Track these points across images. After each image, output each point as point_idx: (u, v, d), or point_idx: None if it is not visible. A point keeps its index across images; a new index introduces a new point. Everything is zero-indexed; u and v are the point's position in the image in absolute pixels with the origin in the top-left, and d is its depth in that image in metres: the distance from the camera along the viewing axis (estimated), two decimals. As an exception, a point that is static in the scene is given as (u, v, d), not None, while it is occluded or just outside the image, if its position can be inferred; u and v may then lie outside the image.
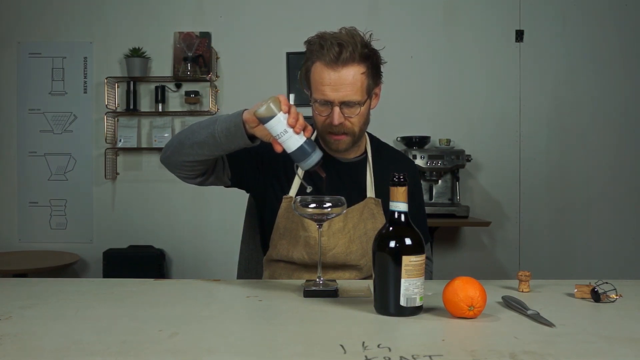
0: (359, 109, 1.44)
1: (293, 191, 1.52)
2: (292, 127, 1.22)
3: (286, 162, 1.53)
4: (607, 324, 1.03)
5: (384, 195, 1.51)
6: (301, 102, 3.68)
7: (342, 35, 1.41)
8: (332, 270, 1.52)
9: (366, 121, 1.50)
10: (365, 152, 1.60)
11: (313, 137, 1.57)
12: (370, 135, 1.64)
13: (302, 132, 1.24)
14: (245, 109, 1.29)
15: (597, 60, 3.74)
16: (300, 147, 1.23)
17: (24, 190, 3.78)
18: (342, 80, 1.40)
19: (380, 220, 1.52)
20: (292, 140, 1.23)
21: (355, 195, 1.53)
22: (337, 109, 1.42)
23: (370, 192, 1.55)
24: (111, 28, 3.77)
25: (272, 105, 1.22)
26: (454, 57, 3.75)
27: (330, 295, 1.22)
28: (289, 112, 1.23)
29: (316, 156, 1.24)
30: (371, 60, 1.44)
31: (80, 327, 1.00)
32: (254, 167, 1.54)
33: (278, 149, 1.25)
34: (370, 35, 1.45)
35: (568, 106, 3.75)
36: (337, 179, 1.54)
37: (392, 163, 1.62)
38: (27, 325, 1.01)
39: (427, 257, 1.59)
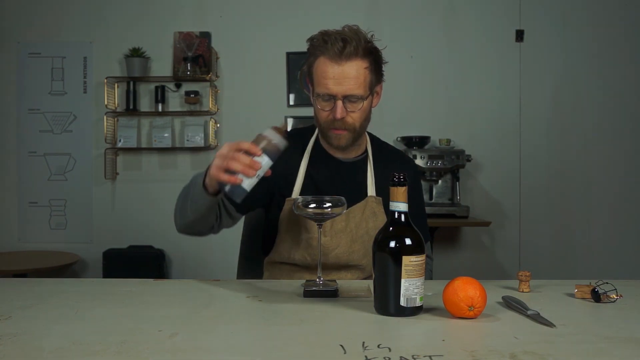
0: (361, 103, 1.44)
1: (296, 193, 1.52)
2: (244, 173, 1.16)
3: (290, 159, 1.53)
4: (607, 324, 1.03)
5: (384, 194, 1.51)
6: (301, 102, 3.68)
7: (346, 32, 1.43)
8: (336, 271, 1.52)
9: (367, 118, 1.51)
10: (366, 151, 1.60)
11: (313, 138, 1.58)
12: (370, 134, 1.64)
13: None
14: (203, 174, 1.30)
15: (597, 60, 3.74)
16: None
17: (23, 190, 3.78)
18: (345, 74, 1.41)
19: (382, 219, 1.52)
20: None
21: (357, 194, 1.53)
22: (340, 103, 1.42)
23: (371, 190, 1.55)
24: (111, 28, 3.77)
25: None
26: (454, 57, 3.75)
27: (330, 295, 1.22)
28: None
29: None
30: (374, 56, 1.45)
31: (80, 327, 1.00)
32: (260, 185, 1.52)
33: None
34: (372, 36, 1.47)
35: (568, 106, 3.75)
36: (338, 178, 1.54)
37: (393, 162, 1.62)
38: (27, 325, 1.01)
39: (427, 256, 1.59)
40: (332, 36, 1.41)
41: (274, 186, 1.52)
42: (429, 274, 1.66)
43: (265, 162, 1.17)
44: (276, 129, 1.20)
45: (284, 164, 1.50)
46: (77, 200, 3.78)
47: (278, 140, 1.19)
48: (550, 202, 3.75)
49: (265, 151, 1.17)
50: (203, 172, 1.32)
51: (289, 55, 3.71)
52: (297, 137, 1.59)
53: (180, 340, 0.92)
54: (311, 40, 1.46)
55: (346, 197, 1.29)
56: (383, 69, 1.50)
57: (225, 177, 1.16)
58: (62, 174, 3.78)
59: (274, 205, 1.55)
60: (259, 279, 1.63)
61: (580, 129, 3.75)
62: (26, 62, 3.77)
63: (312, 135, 1.59)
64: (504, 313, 1.10)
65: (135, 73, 3.64)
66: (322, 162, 1.55)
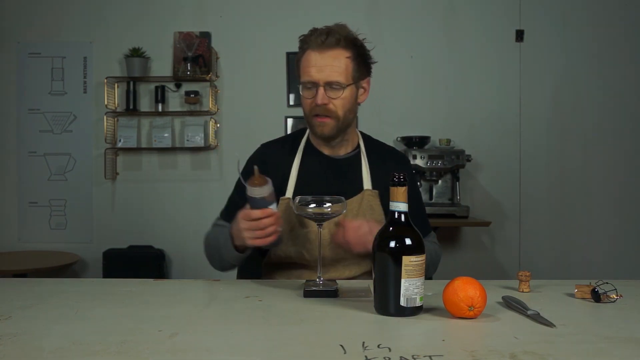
0: (342, 91, 1.47)
1: (289, 192, 1.53)
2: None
3: (281, 164, 1.55)
4: (607, 324, 1.03)
5: (380, 188, 1.53)
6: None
7: (332, 26, 1.50)
8: (333, 268, 1.51)
9: (351, 109, 1.53)
10: (358, 147, 1.62)
11: (305, 137, 1.61)
12: (362, 133, 1.68)
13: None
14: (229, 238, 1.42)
15: (597, 60, 3.74)
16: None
17: (23, 190, 3.78)
18: (326, 62, 1.46)
19: (379, 212, 1.53)
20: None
21: (352, 189, 1.55)
22: (321, 90, 1.47)
23: (367, 184, 1.56)
24: (111, 28, 3.76)
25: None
26: (454, 57, 3.74)
27: (330, 295, 1.22)
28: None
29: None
30: (357, 49, 1.50)
31: (80, 327, 1.00)
32: None
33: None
34: (364, 39, 1.52)
35: (568, 106, 3.75)
36: (330, 175, 1.56)
37: (388, 159, 1.64)
38: (27, 325, 1.01)
39: (434, 242, 1.61)
40: (318, 30, 1.48)
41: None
42: (436, 257, 1.65)
43: (274, 207, 1.33)
44: (253, 181, 1.30)
45: (277, 167, 1.54)
46: (77, 200, 3.78)
47: (266, 189, 1.30)
48: (550, 202, 3.75)
49: (267, 202, 1.30)
50: (228, 236, 1.42)
51: (289, 55, 3.71)
52: (288, 141, 1.64)
53: (180, 340, 0.92)
54: (301, 37, 1.52)
55: (340, 193, 1.31)
56: (372, 67, 1.55)
57: (269, 240, 1.32)
58: (62, 174, 3.78)
59: None
60: (259, 279, 1.63)
61: (580, 129, 3.74)
62: (26, 62, 3.77)
63: (304, 136, 1.62)
64: (504, 313, 1.10)
65: (135, 73, 3.64)
66: (314, 159, 1.58)
